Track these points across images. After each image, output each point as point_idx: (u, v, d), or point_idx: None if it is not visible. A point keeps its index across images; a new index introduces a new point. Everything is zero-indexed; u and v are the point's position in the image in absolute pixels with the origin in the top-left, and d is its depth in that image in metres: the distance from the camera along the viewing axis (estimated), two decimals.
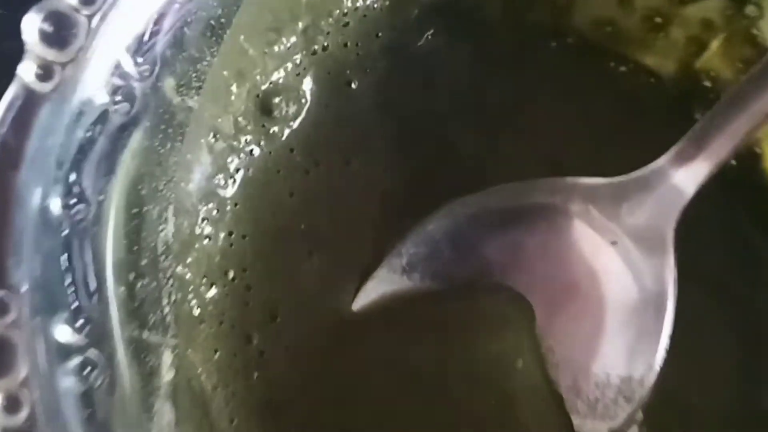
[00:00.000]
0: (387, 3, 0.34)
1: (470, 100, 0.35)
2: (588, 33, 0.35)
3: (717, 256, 0.34)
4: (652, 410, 0.32)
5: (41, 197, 0.26)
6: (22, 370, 0.25)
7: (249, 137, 0.33)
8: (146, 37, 0.27)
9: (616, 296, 0.32)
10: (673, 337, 0.31)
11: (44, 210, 0.26)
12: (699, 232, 0.33)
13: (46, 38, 0.25)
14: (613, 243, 0.32)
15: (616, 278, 0.32)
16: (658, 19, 0.33)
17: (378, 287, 0.33)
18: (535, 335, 0.32)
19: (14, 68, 0.25)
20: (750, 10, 0.31)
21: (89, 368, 0.26)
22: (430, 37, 0.34)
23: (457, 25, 0.35)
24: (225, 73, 0.30)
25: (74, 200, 0.26)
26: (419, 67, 0.35)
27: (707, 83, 0.34)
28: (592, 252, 0.32)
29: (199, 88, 0.29)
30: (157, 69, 0.27)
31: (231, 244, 0.32)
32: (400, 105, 0.34)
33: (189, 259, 0.31)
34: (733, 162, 0.34)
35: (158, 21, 0.27)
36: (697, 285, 0.32)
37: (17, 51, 0.25)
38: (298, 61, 0.33)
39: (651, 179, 0.31)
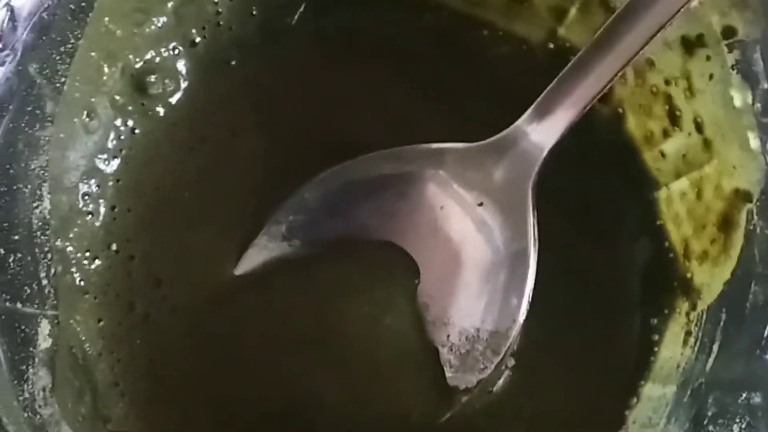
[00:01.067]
0: None
1: (346, 74, 0.36)
2: (459, 5, 0.36)
3: (581, 214, 0.35)
4: (522, 356, 0.34)
5: None
6: None
7: (128, 115, 0.34)
8: (4, 24, 0.28)
9: (480, 255, 0.33)
10: (537, 289, 0.33)
11: None
12: (564, 192, 0.35)
13: None
14: (480, 204, 0.34)
15: (479, 238, 0.33)
16: None
17: (260, 254, 0.34)
18: (410, 293, 0.34)
19: None
20: None
21: None
22: (302, 13, 0.36)
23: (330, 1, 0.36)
24: (93, 54, 0.31)
25: None
26: (295, 42, 0.36)
27: (572, 49, 0.36)
28: (456, 215, 0.33)
29: (67, 70, 0.30)
30: (18, 54, 0.28)
31: (114, 218, 0.34)
32: (279, 80, 0.36)
33: (70, 234, 0.32)
34: (598, 122, 0.36)
35: (17, 7, 0.28)
36: (561, 239, 0.34)
37: None
38: (171, 41, 0.34)
39: (509, 139, 0.33)
